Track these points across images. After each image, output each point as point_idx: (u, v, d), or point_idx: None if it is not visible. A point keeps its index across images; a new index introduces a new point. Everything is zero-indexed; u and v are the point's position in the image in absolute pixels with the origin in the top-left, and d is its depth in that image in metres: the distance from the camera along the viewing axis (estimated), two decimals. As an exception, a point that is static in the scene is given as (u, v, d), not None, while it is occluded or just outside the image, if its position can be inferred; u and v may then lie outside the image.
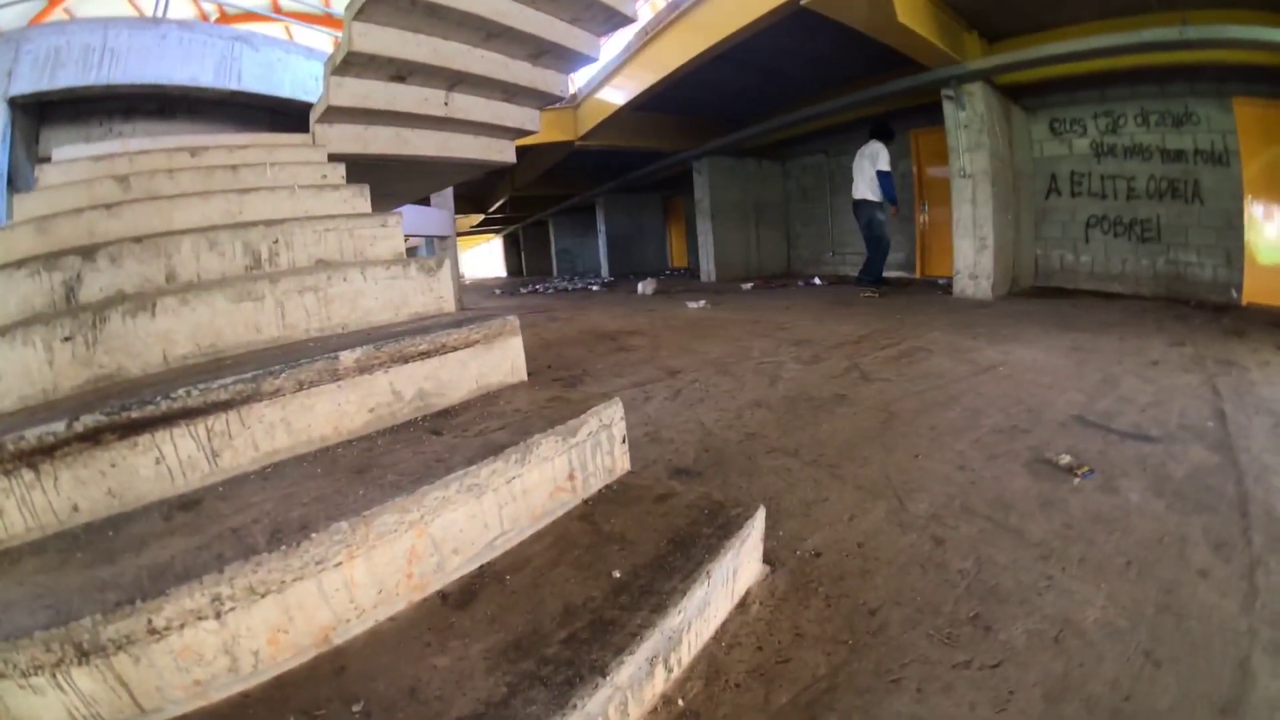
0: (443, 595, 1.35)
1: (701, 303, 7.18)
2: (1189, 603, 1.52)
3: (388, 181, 4.70)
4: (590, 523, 1.60)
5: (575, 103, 9.74)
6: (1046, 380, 3.40)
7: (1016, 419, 2.82)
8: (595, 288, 11.20)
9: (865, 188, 7.81)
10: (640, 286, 9.39)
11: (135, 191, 2.71)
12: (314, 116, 3.59)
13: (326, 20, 11.65)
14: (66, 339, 1.62)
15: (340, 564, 1.20)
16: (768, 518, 1.78)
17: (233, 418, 1.45)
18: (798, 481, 2.31)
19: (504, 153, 4.71)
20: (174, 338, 1.76)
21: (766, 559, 1.73)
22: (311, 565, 1.16)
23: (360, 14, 3.03)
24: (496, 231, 24.65)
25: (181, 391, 1.38)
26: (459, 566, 1.41)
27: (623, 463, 1.85)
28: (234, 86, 5.41)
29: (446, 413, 1.81)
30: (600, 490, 1.75)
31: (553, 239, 18.56)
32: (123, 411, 1.32)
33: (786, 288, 9.22)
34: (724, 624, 1.49)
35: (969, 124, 6.92)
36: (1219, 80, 6.65)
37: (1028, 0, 6.23)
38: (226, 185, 2.82)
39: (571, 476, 1.67)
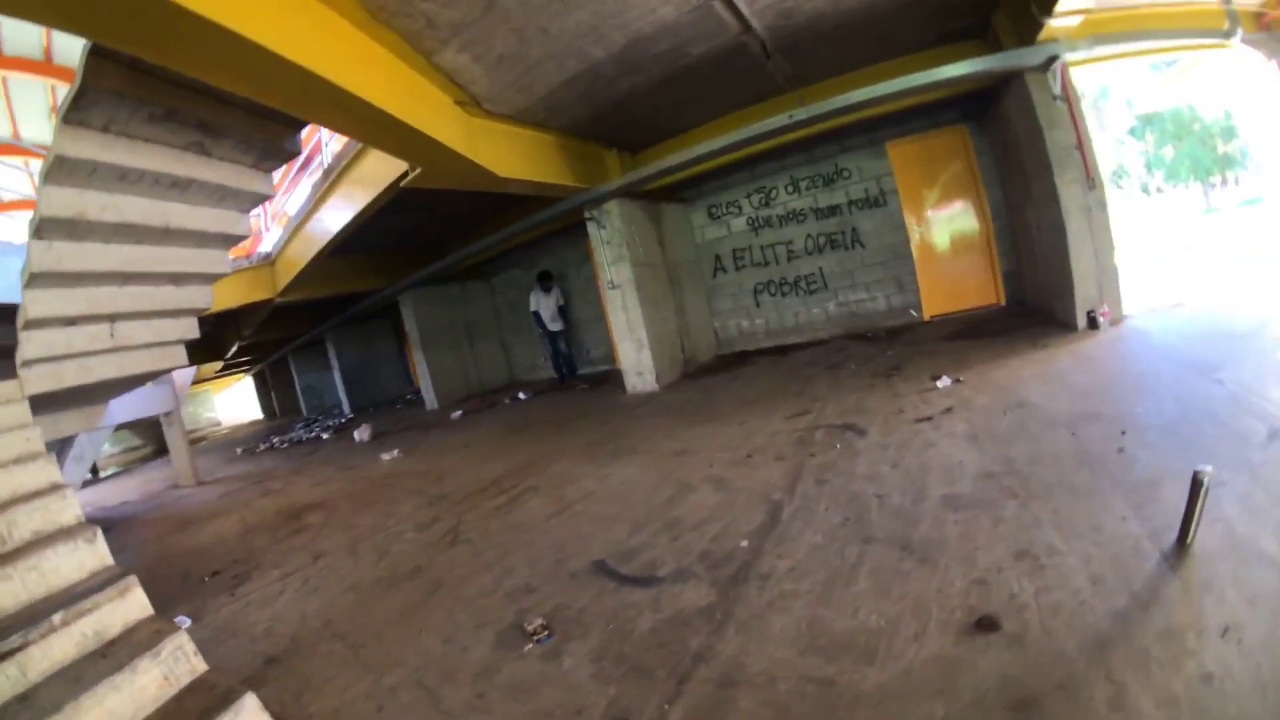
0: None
1: (395, 453, 7.41)
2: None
3: (92, 394, 5.09)
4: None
5: (271, 260, 9.67)
6: (611, 511, 3.88)
7: (539, 574, 3.20)
8: (325, 436, 11.10)
9: (553, 321, 10.57)
10: (357, 434, 9.58)
11: None
12: (18, 362, 4.00)
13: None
14: None
15: None
16: (299, 691, 2.51)
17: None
18: (333, 662, 2.74)
19: (176, 358, 5.13)
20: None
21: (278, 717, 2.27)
22: None
23: (28, 285, 3.70)
24: (246, 370, 23.37)
25: None
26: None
27: (199, 665, 2.34)
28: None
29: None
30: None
31: (295, 376, 17.91)
32: None
33: (494, 408, 10.07)
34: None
35: (610, 240, 7.75)
36: (869, 131, 8.00)
37: (652, 118, 7.01)
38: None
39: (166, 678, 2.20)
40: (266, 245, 10.03)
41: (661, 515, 3.61)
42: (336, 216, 7.25)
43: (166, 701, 2.18)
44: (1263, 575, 1.98)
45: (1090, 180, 5.62)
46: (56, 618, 2.23)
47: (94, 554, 2.64)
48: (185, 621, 3.38)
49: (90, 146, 3.29)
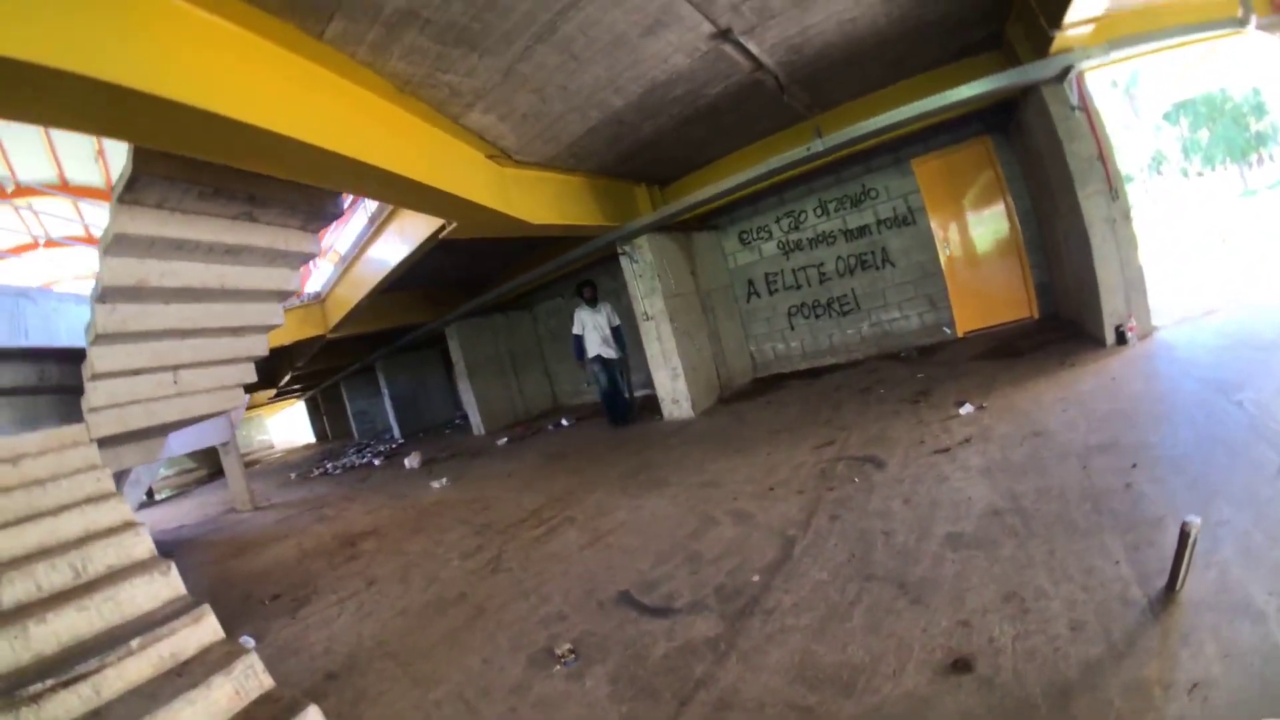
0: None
1: (443, 481, 7.81)
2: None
3: (153, 431, 5.40)
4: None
5: (321, 299, 10.27)
6: (638, 543, 4.17)
7: (570, 603, 3.51)
8: (377, 462, 11.62)
9: (605, 346, 8.69)
10: (408, 461, 9.99)
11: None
12: (84, 409, 4.37)
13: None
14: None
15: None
16: (355, 701, 2.93)
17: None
18: (386, 678, 3.13)
19: (235, 399, 5.61)
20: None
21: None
22: None
23: (94, 343, 4.10)
24: (299, 395, 24.33)
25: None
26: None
27: (266, 681, 2.70)
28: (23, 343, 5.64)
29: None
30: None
31: (347, 402, 18.67)
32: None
33: (538, 435, 10.34)
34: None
35: (642, 274, 8.08)
36: (894, 150, 8.15)
37: (677, 155, 7.34)
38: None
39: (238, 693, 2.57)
40: (316, 284, 10.62)
41: (684, 548, 3.88)
42: (381, 262, 7.76)
43: (237, 714, 2.54)
44: (1243, 629, 2.02)
45: (1113, 190, 5.60)
46: (135, 642, 2.60)
47: (169, 585, 3.03)
48: (250, 641, 3.75)
49: (146, 223, 3.70)
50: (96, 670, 2.48)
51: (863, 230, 8.82)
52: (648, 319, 8.11)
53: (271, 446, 22.09)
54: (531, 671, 2.89)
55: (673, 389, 8.20)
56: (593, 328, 8.57)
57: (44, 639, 2.60)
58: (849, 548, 3.34)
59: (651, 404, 8.94)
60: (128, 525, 3.36)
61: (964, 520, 3.30)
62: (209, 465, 16.11)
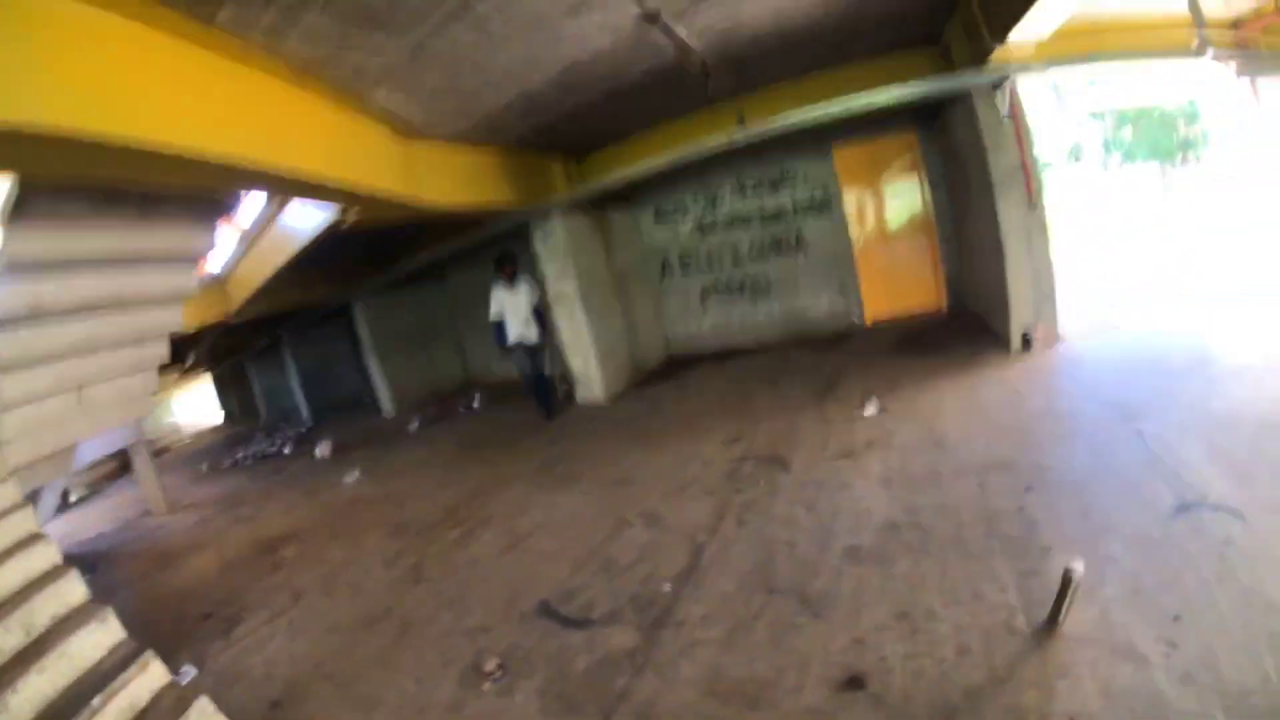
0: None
1: (356, 474, 7.63)
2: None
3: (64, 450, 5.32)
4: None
5: (222, 280, 9.71)
6: (556, 547, 4.26)
7: (492, 614, 3.58)
8: (288, 450, 11.21)
9: (526, 327, 7.68)
10: (318, 450, 9.69)
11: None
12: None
13: None
14: None
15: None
16: None
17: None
18: (327, 703, 3.15)
19: (144, 408, 5.86)
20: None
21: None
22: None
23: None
24: (206, 371, 23.24)
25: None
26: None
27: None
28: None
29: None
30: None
31: (254, 381, 17.90)
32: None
33: (450, 418, 10.14)
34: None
35: (555, 254, 7.97)
36: (816, 135, 7.88)
37: (598, 127, 7.07)
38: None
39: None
40: (215, 266, 10.03)
41: (600, 554, 3.99)
42: (286, 238, 7.37)
43: None
44: (1124, 670, 2.11)
45: (1032, 201, 5.77)
46: (96, 700, 2.51)
47: (109, 630, 2.90)
48: (191, 671, 3.64)
49: (38, 243, 3.52)
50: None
51: (779, 213, 8.99)
52: (560, 300, 8.00)
53: (179, 429, 21.05)
54: (463, 690, 2.96)
55: (586, 373, 8.20)
56: (512, 311, 7.58)
57: (20, 710, 2.48)
58: (754, 556, 3.51)
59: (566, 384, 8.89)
60: (58, 569, 3.18)
61: (863, 532, 3.49)
62: (120, 458, 15.26)
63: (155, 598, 5.12)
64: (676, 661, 2.77)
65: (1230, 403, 3.96)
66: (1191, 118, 23.58)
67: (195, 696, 2.69)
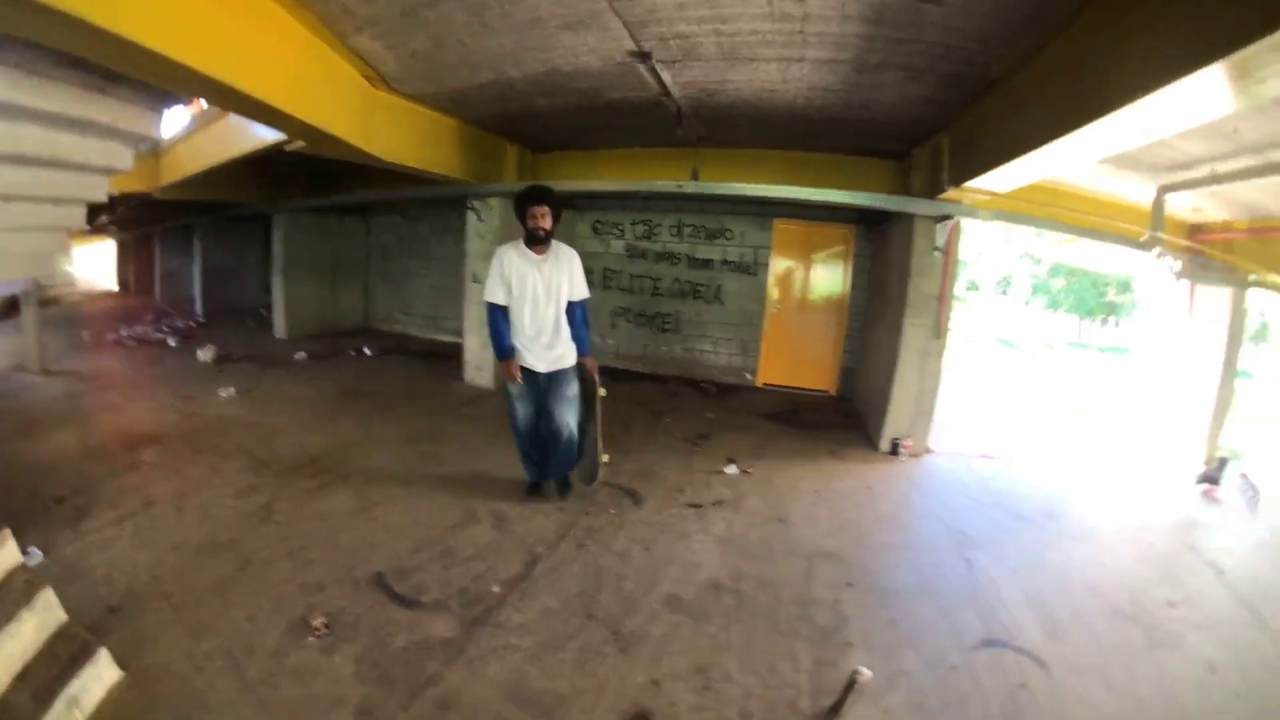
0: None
1: (232, 390, 7.49)
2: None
3: None
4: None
5: (158, 153, 9.35)
6: (403, 524, 4.32)
7: (331, 574, 3.68)
8: (172, 342, 10.79)
9: (550, 334, 4.56)
10: (201, 353, 9.42)
11: None
12: None
13: None
14: None
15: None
16: (135, 644, 2.89)
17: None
18: (161, 620, 3.15)
19: (47, 267, 5.72)
20: None
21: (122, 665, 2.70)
22: None
23: None
24: (112, 235, 21.96)
25: None
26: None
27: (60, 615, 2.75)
28: None
29: None
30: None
31: (158, 259, 17.10)
32: None
33: (338, 358, 10.07)
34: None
35: (485, 234, 8.05)
36: (761, 205, 8.62)
37: (562, 131, 7.27)
38: None
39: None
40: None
41: (442, 541, 4.14)
42: (226, 142, 7.25)
43: (40, 649, 2.56)
44: None
45: (939, 330, 6.16)
46: None
47: None
48: (38, 555, 3.60)
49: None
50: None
51: (707, 263, 9.56)
52: (476, 282, 8.01)
53: (74, 284, 19.77)
54: (289, 638, 3.07)
55: (480, 355, 8.34)
56: (531, 299, 4.44)
57: None
58: (584, 581, 3.78)
59: (458, 355, 8.96)
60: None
61: (688, 585, 3.81)
62: (7, 302, 14.27)
63: (13, 466, 4.93)
64: (487, 659, 3.00)
65: (1066, 560, 4.29)
66: (1124, 287, 25.33)
67: (42, 586, 2.73)
